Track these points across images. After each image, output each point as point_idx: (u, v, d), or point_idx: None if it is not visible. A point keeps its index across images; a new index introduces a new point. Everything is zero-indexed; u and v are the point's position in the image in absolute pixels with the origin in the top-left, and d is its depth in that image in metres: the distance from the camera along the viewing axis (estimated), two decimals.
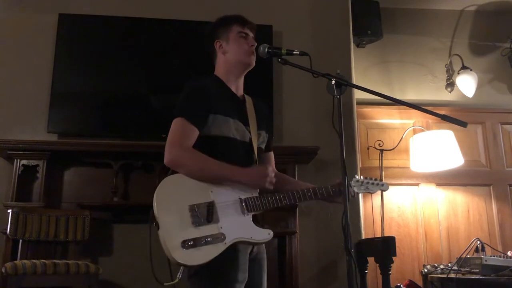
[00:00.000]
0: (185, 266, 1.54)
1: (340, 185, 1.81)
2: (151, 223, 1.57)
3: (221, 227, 1.61)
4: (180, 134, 1.70)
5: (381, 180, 2.01)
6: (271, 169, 1.74)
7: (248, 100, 1.94)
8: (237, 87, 1.92)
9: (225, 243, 1.60)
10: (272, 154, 2.02)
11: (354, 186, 1.88)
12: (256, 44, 1.91)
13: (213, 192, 1.66)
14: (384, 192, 3.84)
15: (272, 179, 1.71)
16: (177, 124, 1.72)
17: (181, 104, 1.76)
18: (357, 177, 1.92)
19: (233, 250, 1.63)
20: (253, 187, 1.70)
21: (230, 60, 1.89)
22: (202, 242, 1.56)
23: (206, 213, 1.61)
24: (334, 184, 1.83)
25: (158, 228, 1.55)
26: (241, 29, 1.90)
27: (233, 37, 1.89)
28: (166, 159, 1.67)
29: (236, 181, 1.68)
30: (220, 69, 1.92)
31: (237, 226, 1.65)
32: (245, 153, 1.81)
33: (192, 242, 1.54)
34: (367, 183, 1.93)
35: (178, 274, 1.54)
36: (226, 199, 1.67)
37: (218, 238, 1.59)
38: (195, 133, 1.71)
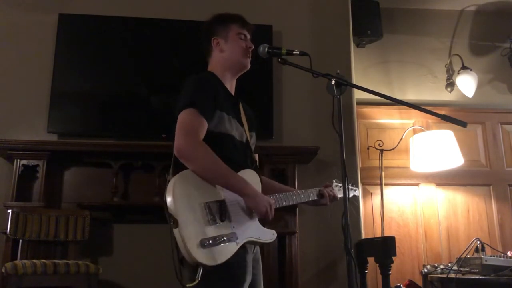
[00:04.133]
0: (204, 266, 1.48)
1: (326, 188, 1.96)
2: (169, 222, 1.49)
3: (233, 227, 1.59)
4: (194, 125, 1.62)
5: (353, 184, 2.14)
6: (273, 204, 1.69)
7: (240, 101, 1.94)
8: (231, 87, 1.91)
9: (237, 243, 1.57)
10: (257, 156, 2.00)
11: (335, 190, 1.99)
12: (253, 47, 1.90)
13: (223, 190, 1.63)
14: (384, 192, 3.85)
15: (270, 215, 1.64)
16: (189, 114, 1.63)
17: (192, 94, 1.68)
18: (335, 182, 2.02)
19: (242, 250, 1.61)
20: (253, 206, 1.63)
21: (227, 59, 1.87)
22: (218, 242, 1.52)
23: (219, 212, 1.58)
24: (321, 188, 1.95)
25: (177, 226, 1.47)
26: (240, 30, 1.89)
27: (232, 36, 1.88)
28: (177, 150, 1.59)
29: (241, 193, 1.63)
30: (216, 67, 1.89)
31: (247, 226, 1.64)
32: (245, 153, 1.81)
33: (210, 241, 1.49)
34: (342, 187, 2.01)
35: (197, 275, 1.47)
36: (236, 198, 1.64)
37: (231, 237, 1.56)
38: (205, 126, 1.65)
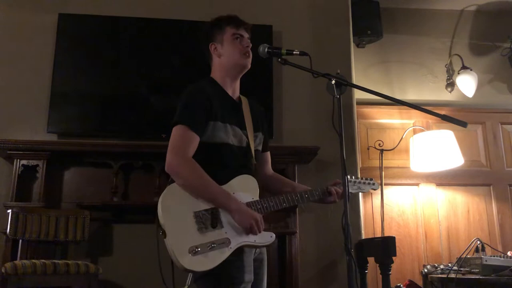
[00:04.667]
0: (193, 272, 1.56)
1: (334, 185, 1.91)
2: (158, 231, 1.57)
3: (225, 232, 1.63)
4: (183, 142, 1.68)
5: (371, 179, 2.07)
6: (261, 219, 1.68)
7: (244, 102, 1.93)
8: (234, 89, 1.91)
9: (230, 247, 1.61)
10: (268, 154, 2.02)
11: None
12: (251, 45, 1.89)
13: None
14: (384, 192, 3.85)
15: (257, 229, 1.64)
16: (178, 131, 1.70)
17: (182, 111, 1.74)
18: (348, 177, 1.96)
19: (239, 252, 1.64)
20: (238, 223, 1.64)
21: (225, 63, 1.87)
22: (208, 248, 1.57)
23: (211, 219, 1.62)
24: (329, 185, 1.91)
25: (165, 236, 1.55)
26: (235, 30, 1.88)
27: (228, 39, 1.87)
28: (166, 166, 1.66)
29: (228, 210, 1.65)
30: (216, 72, 1.90)
31: (241, 230, 1.65)
32: (243, 158, 1.81)
33: (199, 249, 1.55)
34: (359, 182, 2.04)
35: (187, 281, 1.57)
36: None
37: (223, 243, 1.60)
38: (196, 141, 1.70)
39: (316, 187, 1.92)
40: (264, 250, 1.84)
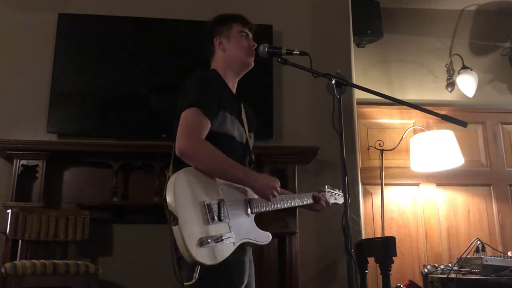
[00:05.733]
0: (202, 265, 1.46)
1: (319, 192, 1.99)
2: (169, 219, 1.46)
3: (231, 227, 1.57)
4: (197, 125, 1.61)
5: (342, 191, 2.11)
6: (279, 183, 1.71)
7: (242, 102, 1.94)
8: (233, 86, 1.90)
9: (234, 243, 1.56)
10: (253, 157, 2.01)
11: (326, 196, 2.02)
12: (256, 45, 1.90)
13: (222, 189, 1.61)
14: (384, 192, 3.85)
15: (277, 194, 1.71)
16: (191, 114, 1.61)
17: (196, 93, 1.66)
18: (327, 187, 2.04)
19: (240, 251, 1.60)
20: (259, 194, 1.67)
21: (230, 58, 1.86)
22: (216, 241, 1.50)
23: (218, 211, 1.55)
24: (314, 192, 1.97)
25: (176, 224, 1.44)
26: (242, 28, 1.89)
27: (234, 35, 1.87)
28: (181, 149, 1.57)
29: (247, 184, 1.65)
30: (218, 67, 1.87)
31: (244, 226, 1.63)
32: (243, 155, 1.80)
33: (209, 240, 1.47)
34: (335, 194, 2.10)
35: (195, 274, 1.45)
36: (234, 197, 1.64)
37: (228, 237, 1.54)
38: (208, 127, 1.64)
39: (306, 193, 1.96)
40: (250, 250, 1.81)
